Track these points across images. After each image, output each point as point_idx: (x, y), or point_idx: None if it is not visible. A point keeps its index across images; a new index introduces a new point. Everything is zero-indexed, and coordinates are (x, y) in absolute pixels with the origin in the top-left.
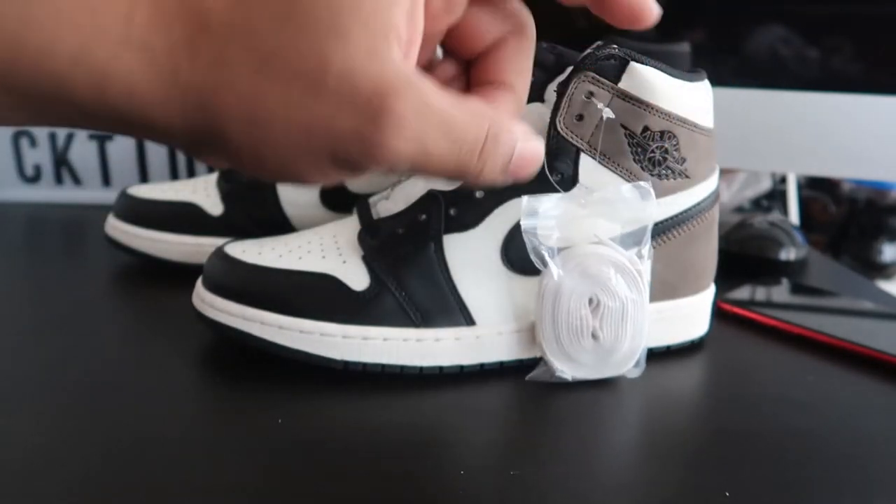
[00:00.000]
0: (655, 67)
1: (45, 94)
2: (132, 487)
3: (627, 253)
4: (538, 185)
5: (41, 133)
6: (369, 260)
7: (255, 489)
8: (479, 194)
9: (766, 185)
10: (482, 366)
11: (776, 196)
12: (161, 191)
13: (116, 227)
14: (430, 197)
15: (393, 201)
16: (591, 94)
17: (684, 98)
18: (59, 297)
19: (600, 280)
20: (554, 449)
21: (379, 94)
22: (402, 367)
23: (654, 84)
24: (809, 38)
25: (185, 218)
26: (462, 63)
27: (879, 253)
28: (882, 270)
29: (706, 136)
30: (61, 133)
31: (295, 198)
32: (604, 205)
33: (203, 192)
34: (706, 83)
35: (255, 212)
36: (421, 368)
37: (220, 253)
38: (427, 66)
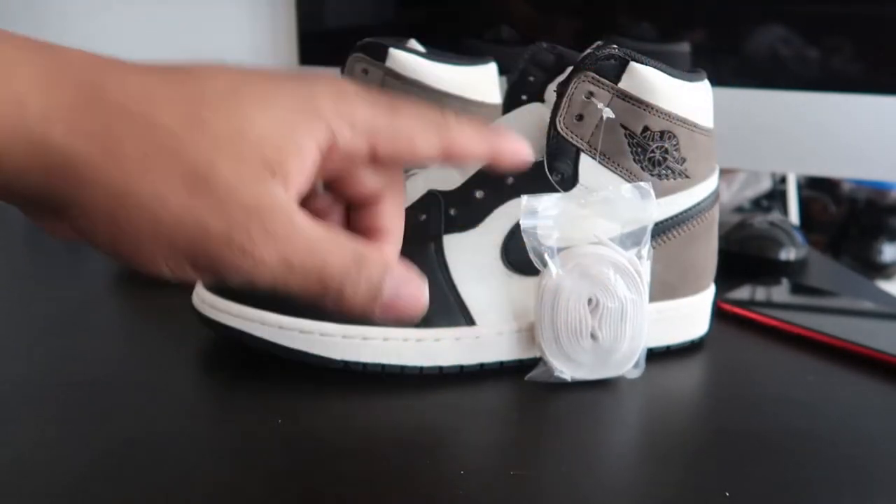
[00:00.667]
0: (655, 67)
1: None
2: (132, 487)
3: (627, 253)
4: (538, 185)
5: None
6: None
7: (255, 489)
8: (478, 194)
9: (766, 185)
10: (482, 366)
11: (776, 196)
12: None
13: None
14: (430, 197)
15: None
16: (591, 94)
17: (684, 98)
18: (59, 297)
19: (600, 280)
20: (554, 449)
21: (257, 208)
22: (402, 367)
23: (654, 84)
24: (809, 38)
25: None
26: (339, 198)
27: (879, 253)
28: (882, 270)
29: (706, 136)
30: None
31: None
32: (604, 205)
33: None
34: (706, 83)
35: None
36: (421, 368)
37: None
38: (307, 196)
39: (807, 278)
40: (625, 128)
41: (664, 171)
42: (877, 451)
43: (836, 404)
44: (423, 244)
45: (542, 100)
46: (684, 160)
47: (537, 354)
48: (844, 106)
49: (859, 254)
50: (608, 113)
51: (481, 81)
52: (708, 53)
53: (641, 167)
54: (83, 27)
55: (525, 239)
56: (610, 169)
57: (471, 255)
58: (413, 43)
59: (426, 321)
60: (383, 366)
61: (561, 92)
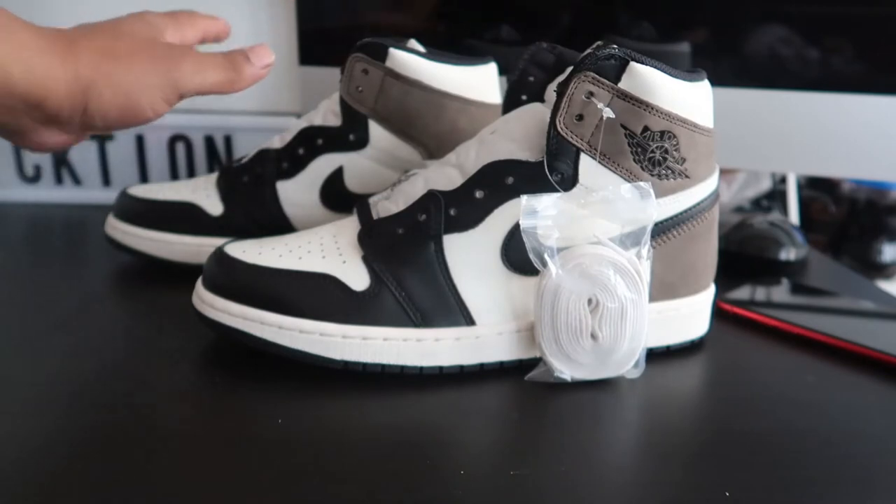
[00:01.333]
0: (655, 67)
1: None
2: (132, 486)
3: (627, 253)
4: (538, 185)
5: None
6: (369, 260)
7: (255, 489)
8: (478, 194)
9: (766, 185)
10: (482, 366)
11: (776, 196)
12: (161, 191)
13: (116, 227)
14: (430, 197)
15: (393, 201)
16: (591, 94)
17: (684, 98)
18: (59, 297)
19: (599, 280)
20: (554, 449)
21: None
22: (402, 367)
23: (654, 84)
24: (809, 38)
25: (185, 218)
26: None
27: (879, 253)
28: (882, 270)
29: (706, 136)
30: None
31: (295, 198)
32: (604, 205)
33: (203, 191)
34: (706, 83)
35: (255, 212)
36: (421, 368)
37: (220, 253)
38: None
39: (807, 278)
40: (625, 128)
41: (664, 171)
42: (877, 451)
43: (836, 404)
44: (423, 244)
45: (542, 100)
46: (684, 160)
47: (537, 354)
48: (844, 106)
49: (859, 254)
50: (608, 113)
51: (481, 81)
52: (708, 53)
53: (641, 167)
54: None
55: (525, 239)
56: (610, 169)
57: (471, 255)
58: (413, 43)
59: (426, 321)
60: (383, 366)
61: (561, 92)
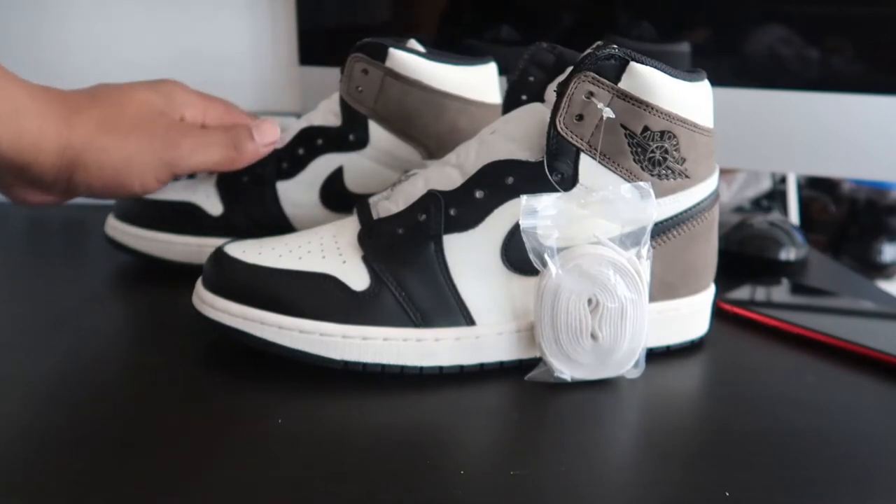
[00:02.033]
0: (655, 67)
1: None
2: (132, 486)
3: (627, 253)
4: (538, 185)
5: None
6: (369, 260)
7: (255, 489)
8: (478, 194)
9: (766, 185)
10: (482, 366)
11: (776, 196)
12: (161, 191)
13: (116, 227)
14: (430, 197)
15: (393, 201)
16: (591, 94)
17: (684, 98)
18: (59, 297)
19: (599, 280)
20: (554, 449)
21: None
22: (402, 367)
23: (654, 84)
24: (809, 38)
25: (185, 218)
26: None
27: (879, 253)
28: (882, 270)
29: (706, 136)
30: None
31: (295, 198)
32: (603, 205)
33: (203, 192)
34: (706, 83)
35: (255, 212)
36: (421, 368)
37: (220, 253)
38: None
39: (807, 278)
40: (625, 128)
41: (664, 171)
42: (877, 451)
43: (836, 404)
44: (423, 244)
45: (542, 100)
46: (684, 160)
47: (537, 354)
48: (844, 106)
49: (859, 254)
50: (608, 113)
51: (481, 81)
52: (708, 53)
53: (641, 167)
54: (83, 27)
55: (525, 239)
56: (610, 169)
57: (471, 255)
58: (413, 43)
59: (426, 321)
60: (383, 366)
61: (561, 92)
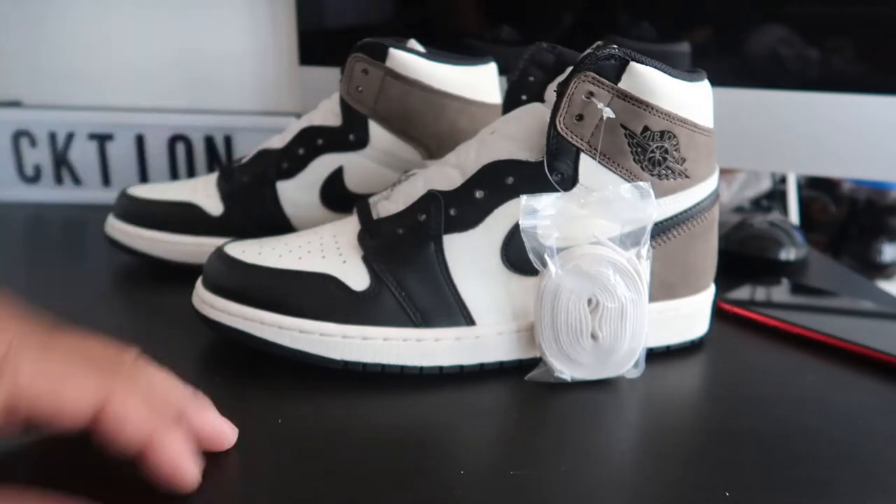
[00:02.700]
0: (655, 67)
1: None
2: (132, 486)
3: (626, 253)
4: (538, 185)
5: (41, 133)
6: (369, 260)
7: (255, 488)
8: (478, 194)
9: (766, 185)
10: (482, 366)
11: (776, 196)
12: (161, 191)
13: (116, 227)
14: (430, 197)
15: (393, 201)
16: (591, 94)
17: (684, 98)
18: (59, 297)
19: (599, 280)
20: (554, 449)
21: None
22: (402, 367)
23: (654, 84)
24: (809, 38)
25: (185, 218)
26: None
27: (879, 253)
28: (882, 270)
29: (706, 136)
30: (61, 133)
31: (295, 198)
32: (603, 205)
33: (203, 192)
34: (706, 83)
35: (255, 212)
36: (421, 368)
37: (220, 253)
38: None
39: (807, 278)
40: (625, 128)
41: (664, 171)
42: (877, 451)
43: (835, 404)
44: (423, 244)
45: (542, 100)
46: (684, 160)
47: (537, 354)
48: (844, 106)
49: (859, 254)
50: (608, 113)
51: (481, 81)
52: (708, 53)
53: (641, 167)
54: (83, 28)
55: (525, 239)
56: (610, 169)
57: (471, 254)
58: (413, 43)
59: (426, 321)
60: (383, 366)
61: (561, 92)
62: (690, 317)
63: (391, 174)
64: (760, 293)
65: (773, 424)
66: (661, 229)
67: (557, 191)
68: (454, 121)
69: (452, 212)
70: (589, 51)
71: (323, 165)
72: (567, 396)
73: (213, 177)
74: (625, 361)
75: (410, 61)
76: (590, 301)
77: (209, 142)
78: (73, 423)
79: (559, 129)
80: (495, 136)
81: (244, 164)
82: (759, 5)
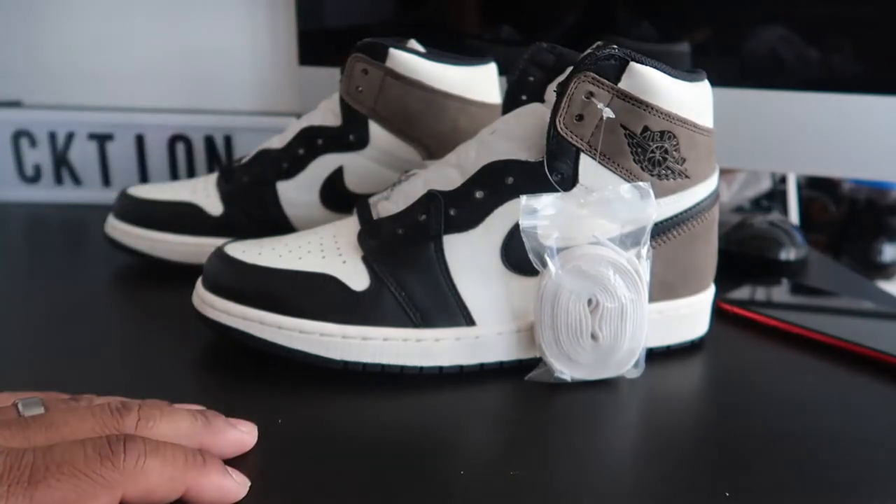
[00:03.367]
0: (655, 67)
1: None
2: None
3: (626, 253)
4: (538, 185)
5: (41, 133)
6: (369, 260)
7: (255, 488)
8: (478, 194)
9: (766, 185)
10: (482, 366)
11: (776, 196)
12: (161, 191)
13: (116, 227)
14: (430, 197)
15: (393, 201)
16: (591, 94)
17: (684, 98)
18: (58, 297)
19: (599, 280)
20: (554, 449)
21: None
22: (402, 367)
23: (654, 84)
24: (809, 38)
25: (185, 218)
26: None
27: (879, 253)
28: (882, 270)
29: (706, 136)
30: (61, 133)
31: (295, 198)
32: (603, 205)
33: (203, 192)
34: (706, 83)
35: (255, 212)
36: (421, 368)
37: (220, 253)
38: None
39: (807, 278)
40: (625, 128)
41: (664, 171)
42: (877, 451)
43: (836, 404)
44: (423, 244)
45: (542, 100)
46: (684, 160)
47: (537, 354)
48: (844, 106)
49: (859, 254)
50: (608, 113)
51: (481, 81)
52: (708, 53)
53: (641, 167)
54: (82, 28)
55: (525, 239)
56: (610, 169)
57: (471, 255)
58: (413, 43)
59: (426, 321)
60: (383, 366)
61: (561, 92)
62: (690, 317)
63: (391, 174)
64: (760, 293)
65: (773, 424)
66: (661, 229)
67: (557, 191)
68: (454, 121)
69: (452, 212)
70: (589, 51)
71: (323, 165)
72: (567, 396)
73: (213, 177)
74: (625, 361)
75: (410, 61)
76: (590, 301)
77: (209, 142)
78: None
79: (559, 129)
80: (495, 136)
81: (244, 164)
82: (758, 5)
